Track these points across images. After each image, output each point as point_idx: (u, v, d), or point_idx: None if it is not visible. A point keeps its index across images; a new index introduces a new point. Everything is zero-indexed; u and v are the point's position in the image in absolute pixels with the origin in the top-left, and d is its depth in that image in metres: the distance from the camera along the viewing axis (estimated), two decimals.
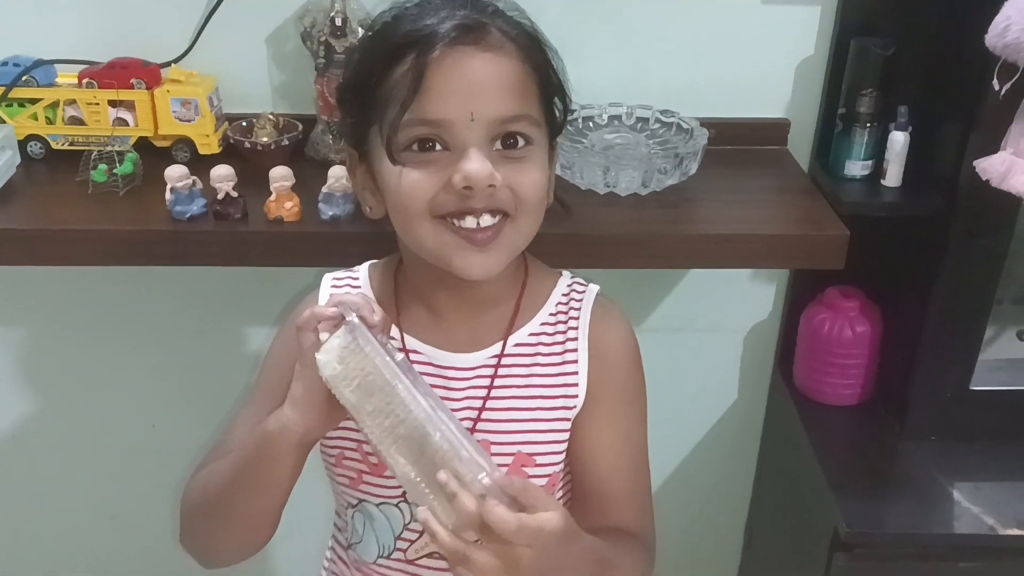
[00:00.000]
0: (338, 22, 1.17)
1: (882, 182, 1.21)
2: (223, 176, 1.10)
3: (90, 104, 1.20)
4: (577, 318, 0.94)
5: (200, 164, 1.16)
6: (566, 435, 0.93)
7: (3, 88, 1.19)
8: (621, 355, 0.95)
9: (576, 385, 0.92)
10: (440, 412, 0.77)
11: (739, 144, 1.30)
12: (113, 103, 1.20)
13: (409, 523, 0.94)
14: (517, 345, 0.93)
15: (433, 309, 0.93)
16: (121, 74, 1.19)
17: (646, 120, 1.27)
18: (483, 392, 0.91)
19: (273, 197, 1.11)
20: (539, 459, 0.92)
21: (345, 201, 1.11)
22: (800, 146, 1.32)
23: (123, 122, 1.21)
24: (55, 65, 1.23)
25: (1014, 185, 1.02)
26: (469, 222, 0.82)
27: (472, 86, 0.80)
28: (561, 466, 0.94)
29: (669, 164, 1.18)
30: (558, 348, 0.93)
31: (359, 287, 0.97)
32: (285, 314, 1.09)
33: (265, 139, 1.21)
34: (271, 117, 1.23)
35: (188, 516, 0.92)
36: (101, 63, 1.22)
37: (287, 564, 1.64)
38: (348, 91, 0.88)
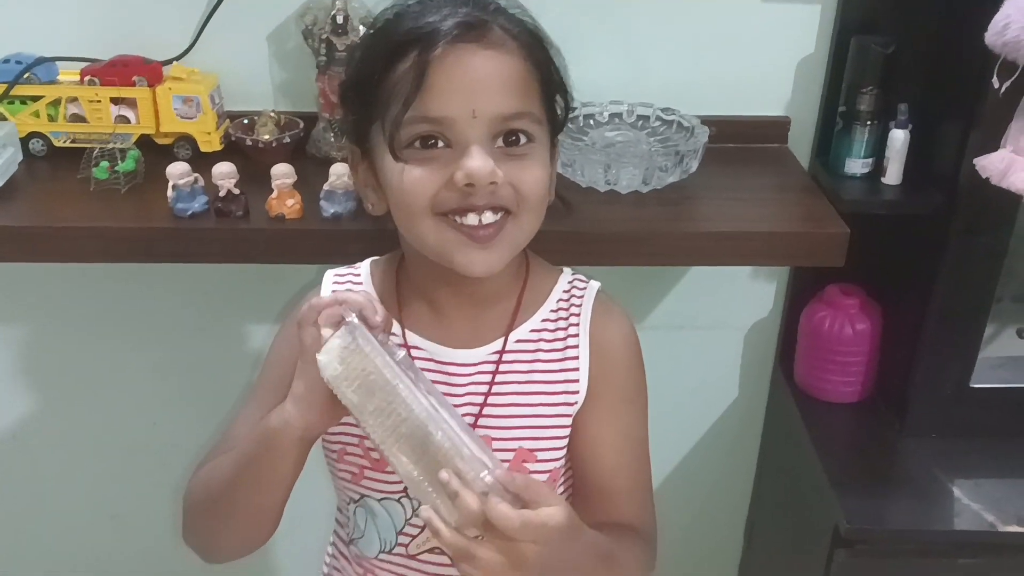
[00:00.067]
0: (339, 20, 1.17)
1: (882, 180, 1.22)
2: (225, 173, 1.10)
3: (92, 101, 1.20)
4: (578, 315, 0.94)
5: (202, 161, 1.16)
6: (567, 431, 0.93)
7: (5, 85, 1.19)
8: (622, 352, 0.95)
9: (577, 381, 0.93)
10: (442, 410, 0.77)
11: (740, 142, 1.30)
12: (115, 100, 1.20)
13: (411, 518, 0.94)
14: (518, 341, 0.93)
15: (435, 306, 0.93)
16: (123, 71, 1.20)
17: (647, 118, 1.28)
18: (484, 388, 0.92)
19: (275, 194, 1.11)
20: (540, 455, 0.92)
21: (346, 199, 1.11)
22: (800, 144, 1.32)
23: (125, 119, 1.21)
24: (57, 63, 1.23)
25: (1014, 183, 1.02)
26: (471, 219, 0.82)
27: (474, 83, 0.80)
28: (562, 462, 0.94)
29: (670, 162, 1.18)
30: (559, 344, 0.93)
31: (360, 283, 0.97)
32: (286, 312, 1.10)
33: (266, 136, 1.21)
34: (272, 115, 1.23)
35: (191, 512, 0.92)
36: (103, 60, 1.22)
37: (289, 559, 1.64)
38: (350, 88, 0.88)
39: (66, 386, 1.51)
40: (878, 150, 1.22)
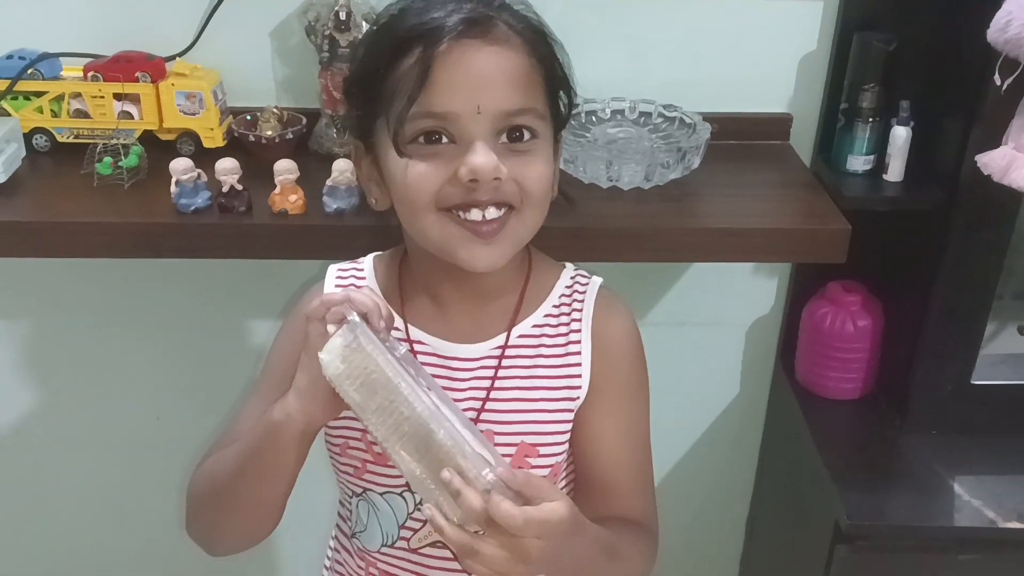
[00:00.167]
0: (342, 16, 1.17)
1: (884, 177, 1.22)
2: (228, 169, 1.10)
3: (95, 97, 1.20)
4: (580, 310, 0.94)
5: (205, 157, 1.16)
6: (569, 426, 0.93)
7: (8, 81, 1.19)
8: (624, 347, 0.95)
9: (579, 376, 0.93)
10: (444, 407, 0.77)
11: (742, 139, 1.30)
12: (118, 96, 1.21)
13: (413, 512, 0.94)
14: (521, 336, 0.93)
15: (438, 300, 0.94)
16: (126, 67, 1.20)
17: (649, 114, 1.28)
18: (487, 383, 0.92)
19: (277, 190, 1.11)
20: (542, 449, 0.92)
21: (349, 194, 1.11)
22: (802, 141, 1.33)
23: (128, 115, 1.22)
24: (60, 58, 1.23)
25: (1015, 180, 1.03)
26: (474, 215, 0.83)
27: (478, 79, 0.80)
28: (564, 456, 0.94)
29: (672, 158, 1.18)
30: (561, 340, 0.94)
31: (364, 278, 0.98)
32: (289, 306, 1.10)
33: (269, 132, 1.21)
34: (275, 111, 1.23)
35: (194, 505, 0.93)
36: (106, 56, 1.22)
37: (291, 552, 1.65)
38: (355, 83, 0.88)
39: (69, 381, 1.51)
40: (880, 147, 1.22)
